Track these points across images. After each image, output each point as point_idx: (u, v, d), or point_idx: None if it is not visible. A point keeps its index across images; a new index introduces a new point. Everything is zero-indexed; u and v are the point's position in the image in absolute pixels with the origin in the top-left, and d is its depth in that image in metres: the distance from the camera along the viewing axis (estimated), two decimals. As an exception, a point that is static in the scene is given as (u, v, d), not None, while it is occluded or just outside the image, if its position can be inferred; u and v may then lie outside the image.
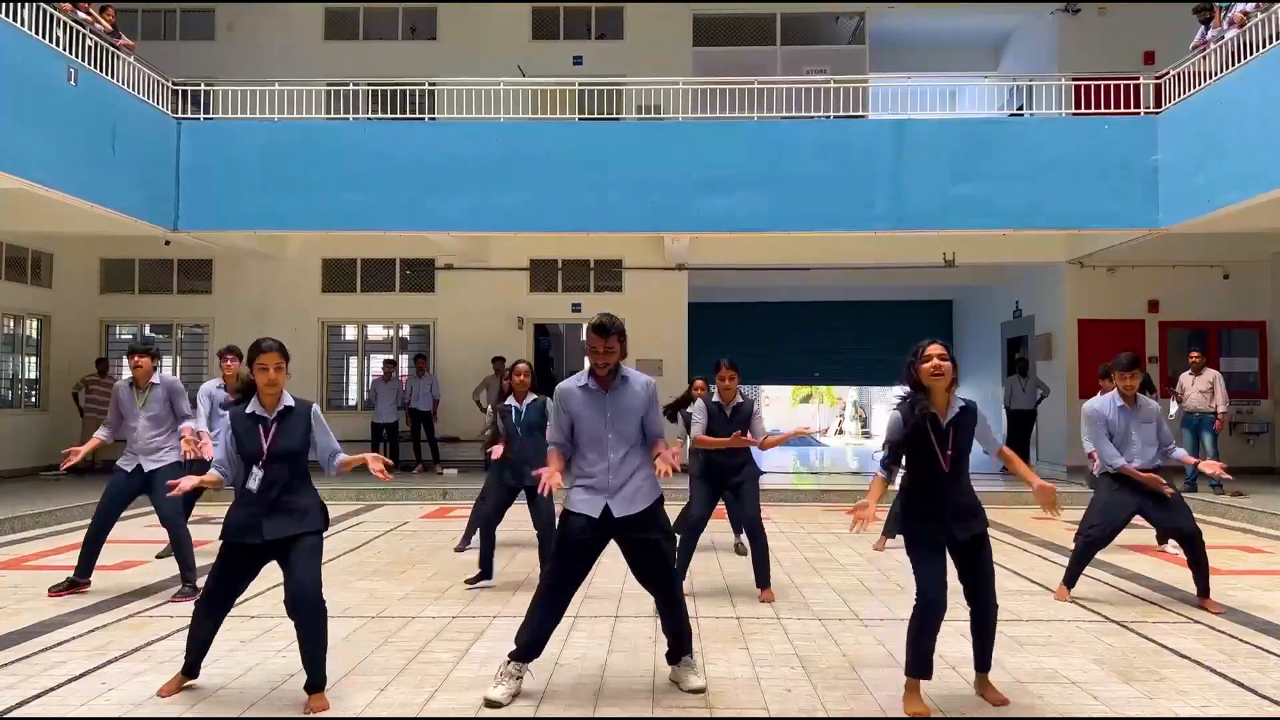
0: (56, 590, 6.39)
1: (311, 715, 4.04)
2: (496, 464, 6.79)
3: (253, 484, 4.22)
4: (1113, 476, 6.32)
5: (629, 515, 4.33)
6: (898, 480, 4.24)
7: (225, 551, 4.30)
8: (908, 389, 4.19)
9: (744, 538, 7.47)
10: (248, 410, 4.30)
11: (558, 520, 4.52)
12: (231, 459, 4.30)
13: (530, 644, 4.34)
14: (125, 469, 6.52)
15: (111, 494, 6.52)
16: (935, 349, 4.10)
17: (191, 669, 4.35)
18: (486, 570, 6.79)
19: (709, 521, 6.72)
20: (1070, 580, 6.45)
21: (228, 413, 4.40)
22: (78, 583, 6.45)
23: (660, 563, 4.41)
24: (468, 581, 6.76)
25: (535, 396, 6.77)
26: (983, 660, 4.31)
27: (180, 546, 6.45)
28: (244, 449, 4.25)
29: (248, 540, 4.21)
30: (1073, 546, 6.62)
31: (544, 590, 4.41)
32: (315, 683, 4.15)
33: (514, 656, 4.33)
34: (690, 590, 6.63)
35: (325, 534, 4.38)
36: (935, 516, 4.13)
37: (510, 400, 6.82)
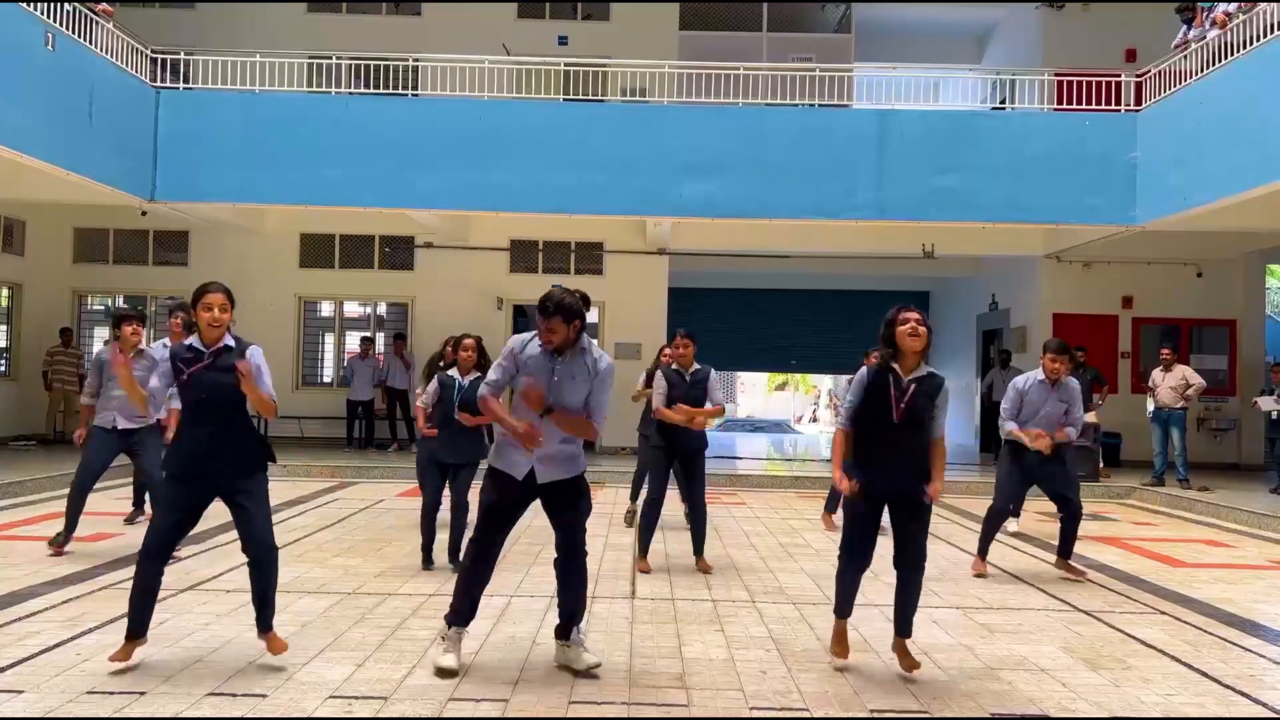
0: (56, 545, 6.67)
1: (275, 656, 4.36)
2: (432, 442, 6.57)
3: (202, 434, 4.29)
4: (1009, 448, 6.84)
5: (552, 481, 4.34)
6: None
7: (170, 489, 4.33)
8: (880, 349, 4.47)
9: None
10: (188, 344, 4.38)
11: (482, 482, 4.46)
12: (162, 390, 4.44)
13: (469, 611, 4.41)
14: (104, 426, 6.76)
15: (95, 449, 6.78)
16: (913, 313, 4.39)
17: (139, 628, 4.25)
18: (428, 559, 6.60)
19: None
20: (982, 552, 6.93)
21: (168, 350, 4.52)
22: (63, 542, 6.70)
23: (573, 535, 4.43)
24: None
25: (479, 374, 6.54)
26: (903, 624, 4.48)
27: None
28: (182, 380, 4.32)
29: (192, 473, 4.28)
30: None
31: (472, 559, 4.39)
32: (268, 623, 4.40)
33: (454, 623, 4.38)
34: (666, 573, 6.69)
35: (272, 474, 4.55)
36: (878, 464, 4.35)
37: (454, 373, 6.65)
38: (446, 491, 6.66)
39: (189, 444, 4.30)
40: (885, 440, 4.35)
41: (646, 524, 6.77)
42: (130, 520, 8.02)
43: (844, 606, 4.58)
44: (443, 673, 4.25)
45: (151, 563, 4.28)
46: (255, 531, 4.35)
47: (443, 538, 6.57)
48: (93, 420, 6.82)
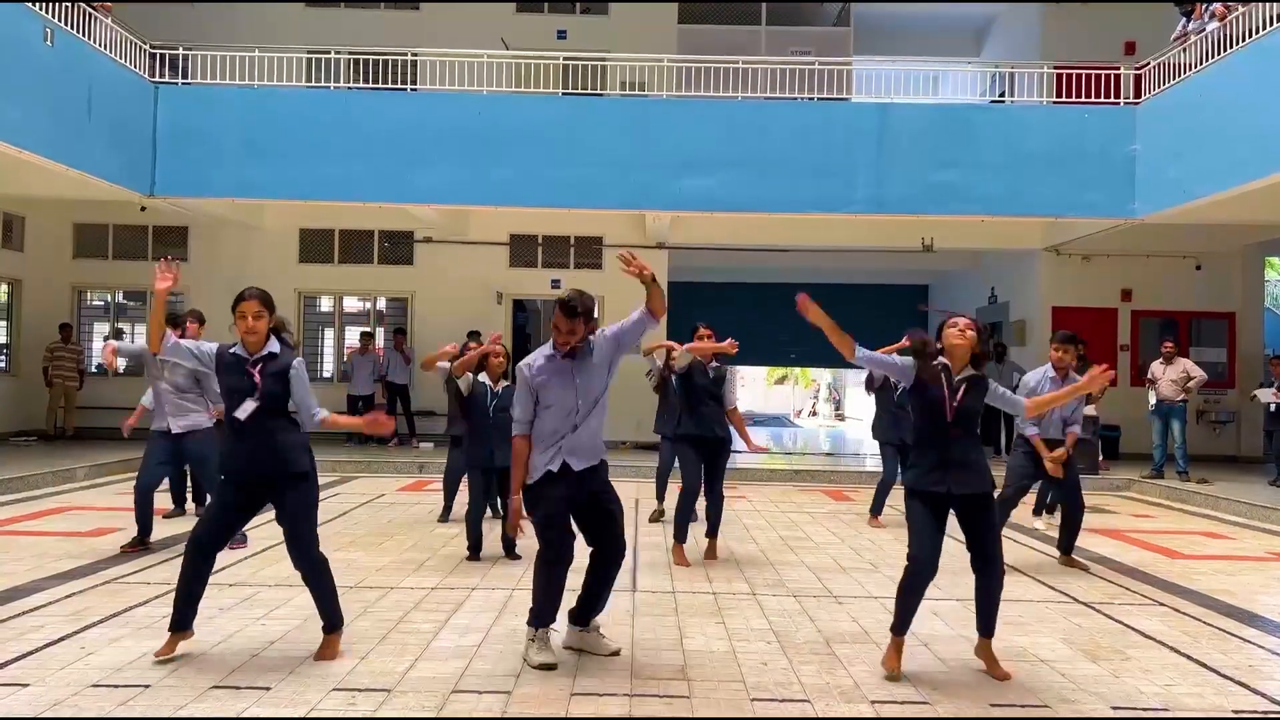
0: (130, 547, 6.71)
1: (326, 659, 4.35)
2: (471, 450, 6.77)
3: (241, 414, 4.29)
4: (1023, 441, 7.02)
5: (586, 468, 4.39)
6: (858, 356, 4.43)
7: (222, 492, 4.40)
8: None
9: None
10: (232, 349, 4.38)
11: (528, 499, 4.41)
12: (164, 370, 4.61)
13: (552, 612, 4.39)
14: (160, 429, 6.91)
15: (152, 453, 6.90)
16: (964, 319, 4.41)
17: (183, 622, 4.34)
18: (475, 552, 6.75)
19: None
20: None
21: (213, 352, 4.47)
22: (143, 542, 6.80)
23: (616, 525, 4.47)
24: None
25: (509, 383, 6.74)
26: (985, 624, 4.37)
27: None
28: (231, 387, 4.34)
29: (244, 476, 4.33)
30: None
31: (551, 564, 4.34)
32: (333, 623, 4.44)
33: (539, 625, 4.36)
34: (667, 567, 6.71)
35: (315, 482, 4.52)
36: (936, 466, 4.27)
37: (484, 378, 6.81)
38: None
39: (239, 448, 4.34)
40: (940, 440, 4.27)
41: (682, 518, 6.84)
42: (168, 517, 8.01)
43: (902, 624, 4.35)
44: (545, 667, 4.25)
45: (198, 556, 4.33)
46: (297, 542, 4.37)
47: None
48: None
